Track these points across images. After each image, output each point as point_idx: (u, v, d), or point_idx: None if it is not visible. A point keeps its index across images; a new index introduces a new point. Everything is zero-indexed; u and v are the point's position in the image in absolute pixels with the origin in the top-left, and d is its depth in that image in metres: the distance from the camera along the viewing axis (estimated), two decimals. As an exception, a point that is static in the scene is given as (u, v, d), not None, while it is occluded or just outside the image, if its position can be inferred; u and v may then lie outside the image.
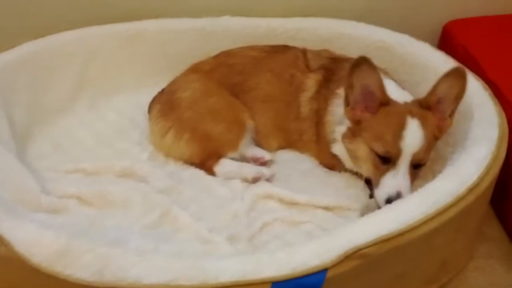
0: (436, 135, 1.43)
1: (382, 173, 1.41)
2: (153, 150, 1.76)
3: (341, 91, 1.53)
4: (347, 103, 1.45)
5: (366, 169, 1.47)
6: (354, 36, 1.93)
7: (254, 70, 1.76)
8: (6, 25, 2.04)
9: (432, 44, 1.85)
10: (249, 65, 1.78)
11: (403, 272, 1.26)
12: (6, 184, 1.44)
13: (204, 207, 1.53)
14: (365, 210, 1.47)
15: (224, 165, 1.66)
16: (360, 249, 1.11)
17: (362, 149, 1.45)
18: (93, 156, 1.74)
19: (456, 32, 1.98)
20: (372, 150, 1.42)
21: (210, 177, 1.65)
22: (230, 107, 1.71)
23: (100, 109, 1.97)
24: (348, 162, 1.59)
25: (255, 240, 1.45)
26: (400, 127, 1.37)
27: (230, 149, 1.68)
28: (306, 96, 1.69)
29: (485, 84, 1.61)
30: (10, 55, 1.81)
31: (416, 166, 1.40)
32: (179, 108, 1.70)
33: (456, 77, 1.40)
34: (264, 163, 1.70)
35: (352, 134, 1.48)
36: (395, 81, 1.64)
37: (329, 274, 1.10)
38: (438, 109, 1.43)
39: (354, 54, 1.81)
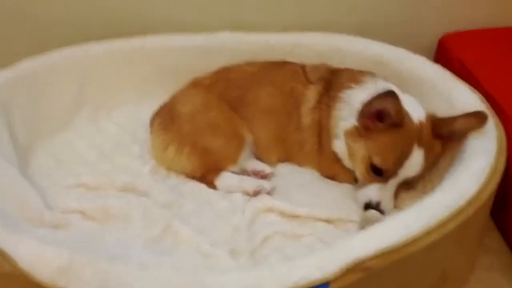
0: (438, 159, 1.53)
1: (371, 181, 1.51)
2: (154, 163, 1.77)
3: (343, 94, 1.62)
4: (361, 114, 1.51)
5: (359, 171, 1.56)
6: (351, 51, 1.95)
7: (254, 84, 1.78)
8: (6, 42, 2.06)
9: (428, 57, 1.87)
10: (248, 79, 1.80)
11: (404, 285, 1.26)
12: (10, 199, 1.44)
13: (205, 220, 1.54)
14: (364, 223, 1.48)
15: (225, 179, 1.67)
16: (362, 262, 1.11)
17: (362, 153, 1.52)
18: (94, 170, 1.74)
19: (452, 45, 2.00)
20: (370, 158, 1.48)
21: (211, 191, 1.66)
22: (229, 121, 1.73)
23: (100, 123, 1.98)
24: (346, 161, 1.62)
25: (256, 253, 1.45)
26: (404, 155, 1.45)
27: (229, 162, 1.69)
28: (307, 106, 1.71)
29: (482, 97, 1.62)
30: (10, 72, 1.82)
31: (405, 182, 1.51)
32: (179, 122, 1.72)
33: (478, 120, 1.47)
34: (264, 176, 1.71)
35: (358, 134, 1.52)
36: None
37: (331, 287, 1.10)
38: (446, 139, 1.51)
39: (352, 67, 1.86)
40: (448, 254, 1.29)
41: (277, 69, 1.81)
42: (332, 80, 1.71)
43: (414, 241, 1.16)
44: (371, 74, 1.70)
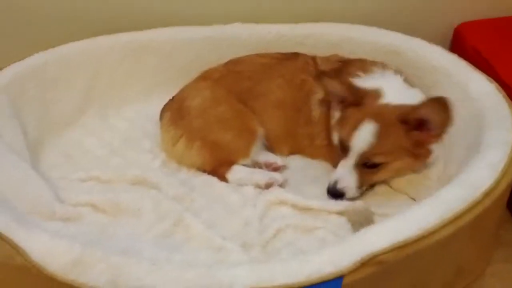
0: (408, 146, 1.45)
1: (339, 160, 1.54)
2: (164, 157, 1.76)
3: None
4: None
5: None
6: (363, 40, 1.92)
7: (264, 76, 1.76)
8: (15, 37, 2.06)
9: (443, 47, 1.84)
10: (258, 71, 1.78)
11: (419, 279, 1.24)
12: (22, 193, 1.45)
13: (217, 214, 1.53)
14: (351, 217, 1.46)
15: (237, 172, 1.66)
16: (376, 256, 1.10)
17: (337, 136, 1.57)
18: (104, 165, 1.74)
19: (467, 34, 1.97)
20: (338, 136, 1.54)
21: (222, 184, 1.65)
22: (239, 114, 1.71)
23: (109, 119, 1.98)
24: None
25: (268, 247, 1.44)
26: (355, 126, 1.47)
27: (241, 156, 1.67)
28: (317, 98, 1.69)
29: (498, 86, 1.59)
30: (19, 67, 1.83)
31: (370, 166, 1.49)
32: (189, 116, 1.71)
33: (439, 106, 1.39)
34: (277, 169, 1.70)
35: (340, 121, 1.56)
36: (404, 78, 1.64)
37: (345, 281, 1.09)
38: (423, 127, 1.44)
39: (365, 57, 1.83)
40: (463, 247, 1.27)
41: (288, 61, 1.79)
42: (343, 70, 1.68)
43: (429, 234, 1.14)
44: (382, 64, 1.67)
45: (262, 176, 1.64)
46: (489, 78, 1.63)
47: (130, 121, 1.96)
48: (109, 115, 1.99)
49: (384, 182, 1.60)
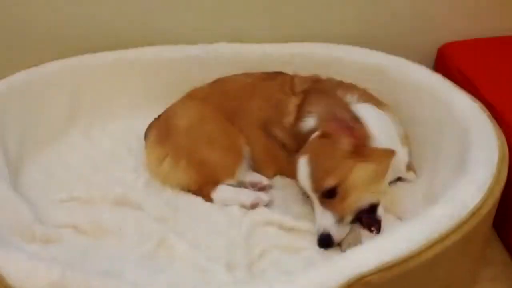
0: (349, 150, 1.40)
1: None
2: (148, 177, 1.73)
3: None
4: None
5: None
6: (349, 60, 1.93)
7: (248, 96, 1.76)
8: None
9: (427, 67, 1.85)
10: (244, 91, 1.77)
11: (407, 299, 1.22)
12: (0, 214, 1.41)
13: (201, 234, 1.50)
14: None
15: (222, 191, 1.63)
16: (363, 277, 1.08)
17: None
18: (87, 184, 1.71)
19: (451, 54, 1.99)
20: None
21: (207, 204, 1.63)
22: (226, 134, 1.70)
23: (94, 136, 1.96)
24: None
25: (253, 267, 1.41)
26: (296, 170, 1.46)
27: (227, 176, 1.66)
28: (289, 120, 1.66)
29: (483, 106, 1.60)
30: (2, 85, 1.81)
31: (330, 195, 1.40)
32: (175, 135, 1.69)
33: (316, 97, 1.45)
34: (262, 188, 1.68)
35: None
36: (374, 103, 1.61)
37: (332, 303, 1.07)
38: (338, 126, 1.42)
39: (349, 78, 1.84)
40: (451, 266, 1.26)
41: (268, 81, 1.78)
42: (310, 92, 1.66)
43: (416, 254, 1.13)
44: (351, 87, 1.66)
45: (248, 196, 1.61)
46: (473, 97, 1.65)
47: (115, 139, 1.94)
48: (93, 132, 1.97)
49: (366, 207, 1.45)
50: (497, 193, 1.31)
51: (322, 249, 1.41)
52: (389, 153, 1.45)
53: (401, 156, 1.56)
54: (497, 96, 1.67)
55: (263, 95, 1.73)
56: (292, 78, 1.77)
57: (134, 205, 1.59)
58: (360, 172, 1.40)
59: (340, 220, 1.40)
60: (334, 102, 1.49)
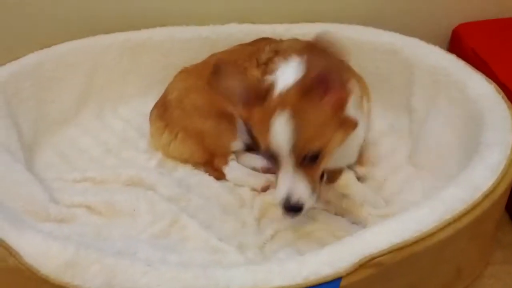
0: (330, 112, 1.25)
1: (276, 173, 1.30)
2: (160, 157, 1.75)
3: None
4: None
5: None
6: (361, 41, 1.91)
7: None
8: (11, 37, 2.04)
9: (441, 48, 1.82)
10: (227, 59, 1.73)
11: (417, 281, 1.23)
12: (14, 194, 1.44)
13: (213, 215, 1.51)
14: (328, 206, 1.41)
15: (234, 169, 1.64)
16: (375, 258, 1.08)
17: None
18: (99, 165, 1.73)
19: (466, 35, 1.96)
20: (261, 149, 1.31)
21: (218, 184, 1.64)
22: (212, 100, 1.64)
23: (105, 118, 1.97)
24: None
25: (265, 248, 1.43)
26: (269, 125, 1.24)
27: (229, 139, 1.65)
28: None
29: (497, 87, 1.58)
30: (15, 66, 1.81)
31: (310, 160, 1.25)
32: (170, 109, 1.72)
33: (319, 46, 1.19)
34: (274, 172, 1.67)
35: (253, 128, 1.35)
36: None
37: (343, 283, 1.08)
38: (324, 86, 1.23)
39: (362, 58, 1.82)
40: (462, 249, 1.26)
41: (250, 47, 1.76)
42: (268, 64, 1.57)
43: (427, 236, 1.13)
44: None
45: (259, 180, 1.62)
46: (488, 79, 1.62)
47: (126, 121, 1.95)
48: (105, 114, 1.98)
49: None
50: (511, 176, 1.29)
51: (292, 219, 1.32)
52: (355, 124, 1.34)
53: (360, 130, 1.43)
54: (512, 78, 1.65)
55: (238, 64, 1.66)
56: (269, 43, 1.67)
57: (146, 185, 1.60)
58: (337, 138, 1.30)
59: (314, 188, 1.28)
60: (330, 58, 1.22)
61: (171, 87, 1.81)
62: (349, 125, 1.32)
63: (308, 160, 1.25)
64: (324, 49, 1.18)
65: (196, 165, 1.71)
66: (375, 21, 1.96)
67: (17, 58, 1.85)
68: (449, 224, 1.15)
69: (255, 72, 1.59)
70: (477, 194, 1.21)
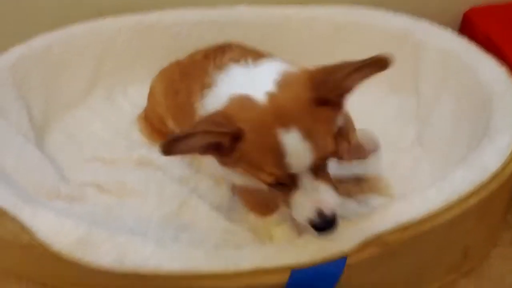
0: (326, 117, 1.07)
1: (287, 196, 1.09)
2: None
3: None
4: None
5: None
6: (372, 24, 1.89)
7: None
8: (19, 19, 2.04)
9: (453, 32, 1.81)
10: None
11: (423, 261, 1.24)
12: (26, 173, 1.46)
13: (223, 196, 1.53)
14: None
15: None
16: (381, 237, 1.09)
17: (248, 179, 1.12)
18: (109, 147, 1.74)
19: (477, 19, 1.94)
20: (263, 182, 1.08)
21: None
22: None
23: (115, 101, 1.97)
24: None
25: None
26: (274, 150, 1.02)
27: None
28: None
29: (509, 71, 1.56)
30: (24, 49, 1.82)
31: (325, 165, 1.10)
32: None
33: (377, 68, 1.01)
34: None
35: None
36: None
37: (349, 261, 1.09)
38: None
39: (372, 41, 1.81)
40: (470, 230, 1.27)
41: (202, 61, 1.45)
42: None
43: (434, 216, 1.14)
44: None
45: None
46: (499, 63, 1.61)
47: (136, 103, 1.95)
48: (115, 97, 1.99)
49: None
50: (519, 158, 1.29)
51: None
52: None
53: None
54: (523, 61, 1.63)
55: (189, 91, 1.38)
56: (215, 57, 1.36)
57: (156, 166, 1.62)
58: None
59: (337, 190, 1.12)
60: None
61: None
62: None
63: (323, 167, 1.10)
64: None
65: None
66: (385, 4, 1.94)
67: (26, 40, 1.85)
68: (456, 204, 1.16)
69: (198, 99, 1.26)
70: (485, 175, 1.21)
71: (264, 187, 1.10)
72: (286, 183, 1.07)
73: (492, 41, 1.79)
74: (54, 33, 1.91)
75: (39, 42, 1.86)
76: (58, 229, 1.16)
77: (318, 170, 1.08)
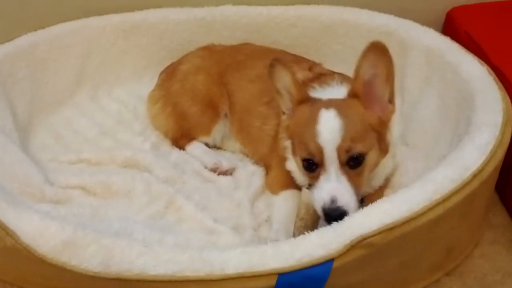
0: (373, 124, 1.27)
1: (315, 180, 1.25)
2: (155, 140, 1.76)
3: None
4: (282, 112, 1.36)
5: (305, 181, 1.36)
6: (356, 23, 1.91)
7: (256, 56, 1.73)
8: (5, 17, 2.02)
9: (436, 31, 1.83)
10: (254, 52, 1.77)
11: (408, 260, 1.25)
12: (10, 175, 1.45)
13: (208, 196, 1.53)
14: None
15: (194, 147, 1.71)
16: (366, 238, 1.10)
17: (297, 161, 1.33)
18: (95, 147, 1.74)
19: (459, 18, 1.96)
20: (300, 158, 1.28)
21: (213, 166, 1.65)
22: (209, 89, 1.71)
23: (100, 100, 1.97)
24: (300, 178, 1.44)
25: (260, 230, 1.45)
26: (313, 123, 1.22)
27: (202, 132, 1.71)
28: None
29: (489, 69, 1.59)
30: (9, 47, 1.81)
31: (354, 163, 1.23)
32: (174, 79, 1.76)
33: (376, 54, 1.22)
34: (223, 173, 1.64)
35: (293, 147, 1.34)
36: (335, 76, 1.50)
37: (335, 264, 1.10)
38: (372, 96, 1.27)
39: (356, 40, 1.82)
40: (453, 228, 1.28)
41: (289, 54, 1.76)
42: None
43: (418, 216, 1.15)
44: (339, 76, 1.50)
45: (210, 159, 1.66)
46: (481, 60, 1.63)
47: (121, 102, 1.95)
48: (100, 96, 1.98)
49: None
50: (500, 157, 1.31)
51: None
52: (387, 149, 1.34)
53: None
54: (505, 61, 1.65)
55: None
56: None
57: (142, 167, 1.62)
58: (375, 153, 1.29)
59: (358, 195, 1.24)
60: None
61: (188, 58, 1.82)
62: (383, 147, 1.32)
63: (352, 163, 1.23)
64: None
65: (165, 136, 1.77)
66: (370, 4, 1.96)
67: (11, 39, 1.84)
68: (438, 203, 1.17)
69: (302, 76, 1.53)
70: (466, 174, 1.23)
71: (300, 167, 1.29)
72: (318, 164, 1.23)
73: (473, 39, 1.81)
74: (39, 31, 1.90)
75: (24, 40, 1.85)
76: (43, 232, 1.15)
77: (346, 165, 1.22)
